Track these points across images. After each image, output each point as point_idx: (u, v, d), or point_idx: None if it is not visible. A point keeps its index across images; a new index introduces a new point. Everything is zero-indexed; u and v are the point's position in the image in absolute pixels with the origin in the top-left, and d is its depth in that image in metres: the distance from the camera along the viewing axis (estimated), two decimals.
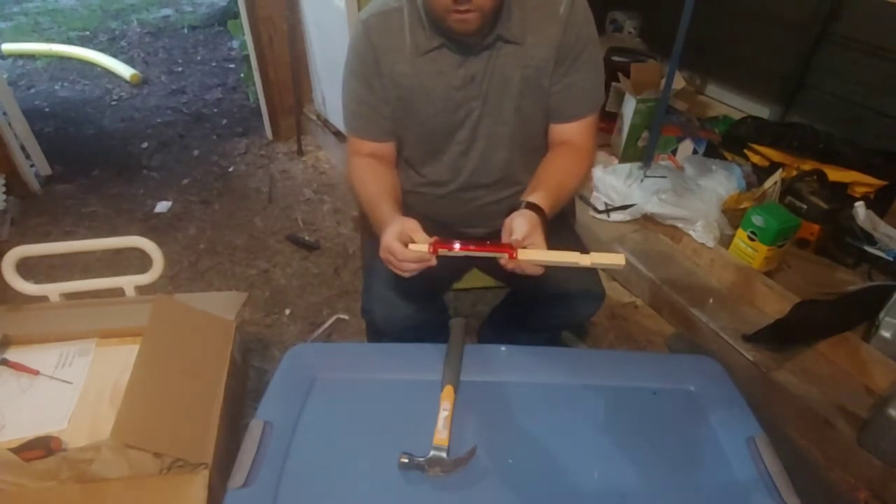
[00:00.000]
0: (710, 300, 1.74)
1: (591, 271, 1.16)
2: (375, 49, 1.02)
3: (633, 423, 0.91)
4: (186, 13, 4.91)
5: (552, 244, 0.87)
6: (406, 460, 0.80)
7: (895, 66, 2.04)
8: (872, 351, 1.49)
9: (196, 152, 2.87)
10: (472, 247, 0.87)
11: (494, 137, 1.10)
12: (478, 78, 1.03)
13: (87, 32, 4.55)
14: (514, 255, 0.84)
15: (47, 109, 3.30)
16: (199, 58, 4.08)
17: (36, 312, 1.33)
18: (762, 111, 2.49)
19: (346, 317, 1.84)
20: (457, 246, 0.86)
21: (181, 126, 3.12)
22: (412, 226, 0.88)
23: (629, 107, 2.25)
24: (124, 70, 3.64)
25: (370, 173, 1.09)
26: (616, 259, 0.84)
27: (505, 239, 0.88)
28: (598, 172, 2.13)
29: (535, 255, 0.85)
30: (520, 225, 0.87)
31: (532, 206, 0.92)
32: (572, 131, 1.09)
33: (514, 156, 1.12)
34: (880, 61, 2.08)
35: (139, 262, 1.40)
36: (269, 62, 2.66)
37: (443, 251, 0.86)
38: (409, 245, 0.87)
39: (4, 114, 2.35)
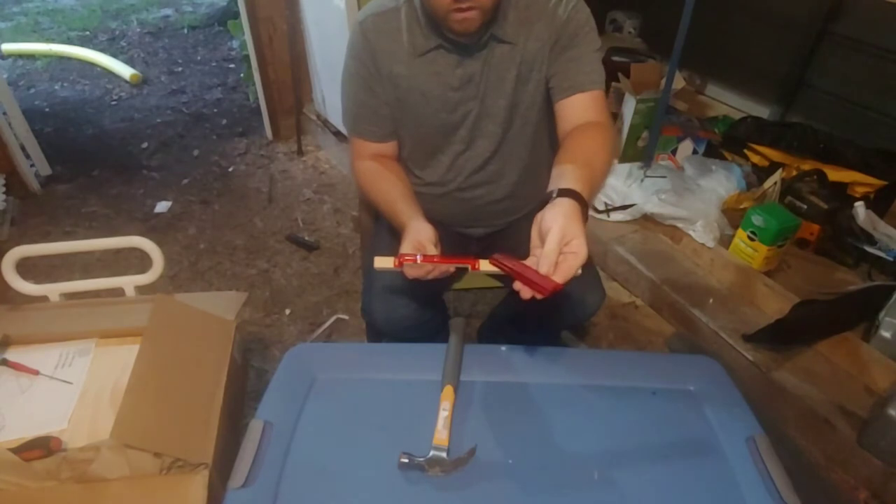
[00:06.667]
0: (710, 300, 1.74)
1: (591, 271, 1.16)
2: (373, 51, 1.02)
3: (633, 423, 0.91)
4: (186, 13, 4.91)
5: None
6: (406, 460, 0.80)
7: (895, 66, 2.04)
8: (872, 351, 1.49)
9: (196, 152, 2.87)
10: (435, 259, 0.89)
11: (492, 137, 1.09)
12: (475, 78, 1.03)
13: (87, 32, 4.56)
14: (476, 266, 0.85)
15: (47, 109, 3.30)
16: (199, 58, 4.08)
17: (36, 312, 1.33)
18: (762, 111, 2.49)
19: (346, 317, 1.84)
20: (418, 258, 0.88)
21: (181, 126, 3.12)
22: (425, 238, 0.90)
23: (629, 107, 2.24)
24: (124, 70, 3.64)
25: (381, 178, 1.09)
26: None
27: (534, 239, 0.77)
28: None
29: (496, 268, 0.82)
30: (553, 217, 0.72)
31: (565, 193, 0.76)
32: (583, 104, 0.98)
33: (512, 155, 1.12)
34: (880, 61, 2.08)
35: (139, 262, 1.41)
36: (269, 62, 2.66)
37: (408, 264, 0.88)
38: (374, 259, 0.88)
39: (4, 114, 2.35)
